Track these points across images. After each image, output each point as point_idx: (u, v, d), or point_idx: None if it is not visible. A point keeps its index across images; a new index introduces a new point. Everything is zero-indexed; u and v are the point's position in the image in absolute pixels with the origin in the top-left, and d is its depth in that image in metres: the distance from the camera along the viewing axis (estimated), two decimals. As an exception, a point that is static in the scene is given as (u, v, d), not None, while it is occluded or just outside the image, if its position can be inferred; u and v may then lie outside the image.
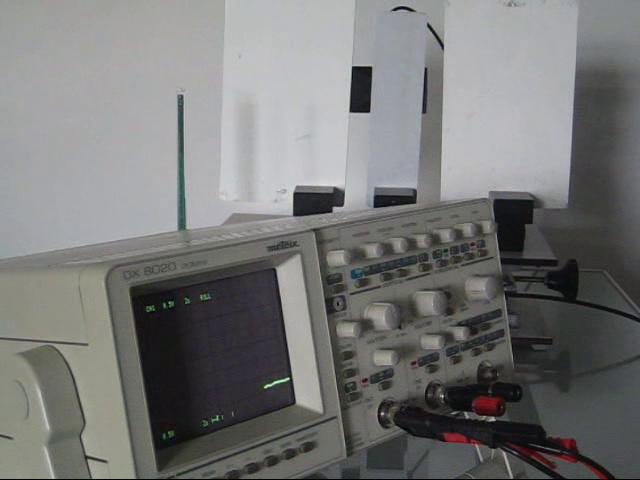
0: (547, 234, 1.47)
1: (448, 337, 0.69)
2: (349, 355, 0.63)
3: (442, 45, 1.44)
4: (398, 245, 0.66)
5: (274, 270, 0.61)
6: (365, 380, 0.64)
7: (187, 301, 0.56)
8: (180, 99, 1.07)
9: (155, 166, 1.91)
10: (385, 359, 0.64)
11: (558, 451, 0.58)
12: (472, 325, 0.72)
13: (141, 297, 0.53)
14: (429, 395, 0.68)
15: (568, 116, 1.39)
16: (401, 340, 0.66)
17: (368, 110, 1.40)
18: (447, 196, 1.39)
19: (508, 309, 0.76)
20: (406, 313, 0.67)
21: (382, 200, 1.35)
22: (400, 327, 0.66)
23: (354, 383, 0.63)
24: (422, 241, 0.68)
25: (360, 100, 1.39)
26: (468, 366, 0.71)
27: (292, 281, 0.61)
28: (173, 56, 1.87)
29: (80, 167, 1.92)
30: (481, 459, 0.73)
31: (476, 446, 0.72)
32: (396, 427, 0.64)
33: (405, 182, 1.40)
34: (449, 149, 1.41)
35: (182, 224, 1.13)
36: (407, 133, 1.40)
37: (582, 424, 0.93)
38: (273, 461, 0.57)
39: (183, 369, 0.55)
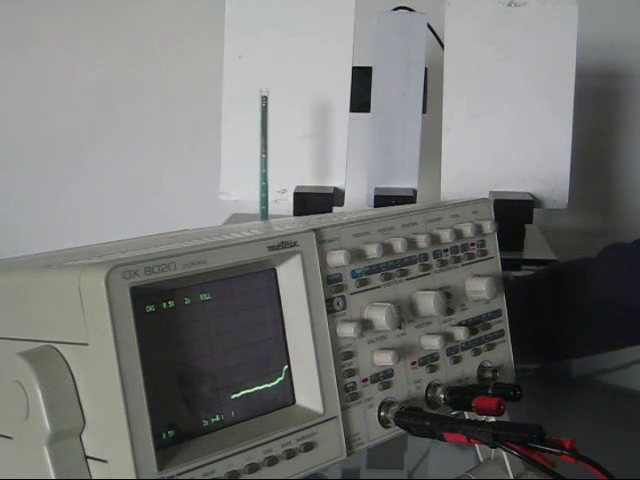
0: (547, 234, 1.47)
1: (448, 337, 0.69)
2: (349, 355, 0.63)
3: (442, 45, 1.44)
4: (398, 245, 0.66)
5: (274, 270, 0.61)
6: (365, 380, 0.64)
7: (187, 301, 0.56)
8: (264, 99, 1.07)
9: (156, 166, 1.91)
10: (385, 359, 0.64)
11: (558, 451, 0.58)
12: (472, 325, 0.72)
13: (141, 297, 0.53)
14: (429, 395, 0.68)
15: (568, 116, 1.39)
16: (401, 340, 0.66)
17: (368, 110, 1.40)
18: (447, 196, 1.39)
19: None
20: (406, 313, 0.67)
21: (382, 200, 1.35)
22: (400, 327, 0.66)
23: (354, 383, 0.63)
24: (422, 241, 0.68)
25: (360, 100, 1.39)
26: (468, 366, 0.71)
27: (292, 281, 0.61)
28: (173, 56, 1.87)
29: (80, 167, 1.92)
30: (481, 459, 0.73)
31: (476, 446, 0.72)
32: (396, 427, 0.64)
33: (405, 182, 1.41)
34: (449, 149, 1.41)
35: (264, 214, 1.15)
36: (407, 133, 1.40)
37: (582, 424, 0.93)
38: (273, 461, 0.57)
39: (183, 369, 0.55)
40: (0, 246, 1.85)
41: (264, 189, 1.14)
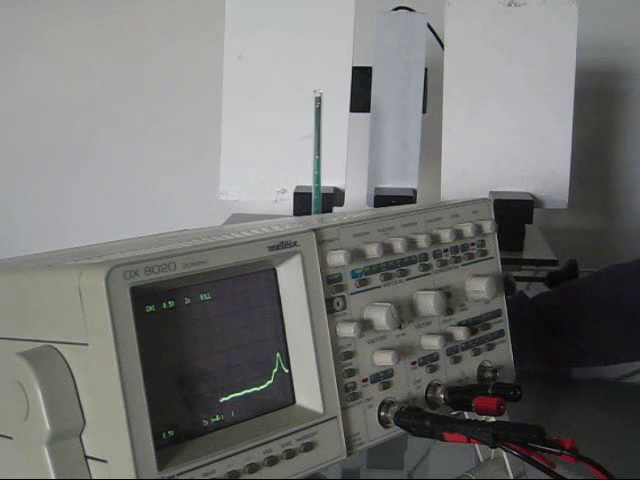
0: (547, 234, 1.47)
1: (448, 337, 0.69)
2: (349, 355, 0.63)
3: (442, 45, 1.44)
4: (398, 245, 0.66)
5: (274, 270, 0.61)
6: (365, 380, 0.64)
7: (187, 301, 0.56)
8: (317, 100, 1.07)
9: (155, 166, 1.91)
10: (385, 359, 0.64)
11: (558, 451, 0.58)
12: (472, 325, 0.72)
13: (141, 297, 0.53)
14: (429, 395, 0.68)
15: (568, 116, 1.39)
16: (401, 340, 0.66)
17: (368, 110, 1.40)
18: (447, 196, 1.39)
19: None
20: (406, 313, 0.67)
21: (382, 200, 1.35)
22: (400, 327, 0.66)
23: (354, 383, 0.63)
24: (422, 241, 0.68)
25: (360, 100, 1.39)
26: (468, 366, 0.71)
27: (292, 281, 0.61)
28: (173, 56, 1.87)
29: (80, 167, 1.92)
30: (481, 459, 0.73)
31: (476, 446, 0.72)
32: (396, 427, 0.64)
33: (405, 182, 1.41)
34: (449, 149, 1.41)
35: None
36: (407, 133, 1.40)
37: (582, 424, 0.93)
38: (273, 461, 0.57)
39: (183, 369, 0.55)
40: (0, 246, 1.86)
41: (317, 191, 1.13)
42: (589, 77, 1.66)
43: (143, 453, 0.51)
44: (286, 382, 0.61)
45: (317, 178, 1.13)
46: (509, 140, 1.41)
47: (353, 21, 1.37)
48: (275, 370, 0.60)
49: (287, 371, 0.61)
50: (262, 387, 0.59)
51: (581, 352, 1.00)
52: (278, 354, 0.60)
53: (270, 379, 0.60)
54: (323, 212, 1.19)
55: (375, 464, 0.84)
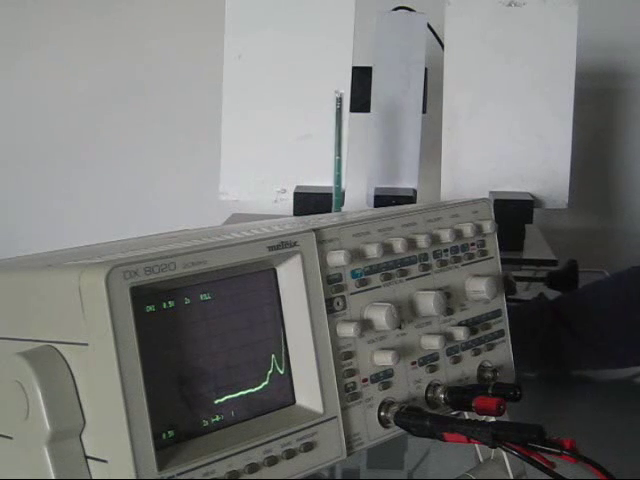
0: (547, 234, 1.47)
1: (448, 337, 0.69)
2: (349, 355, 0.63)
3: (442, 45, 1.44)
4: (398, 245, 0.66)
5: (274, 270, 0.61)
6: (365, 380, 0.64)
7: (187, 301, 0.56)
8: (338, 100, 1.07)
9: (155, 166, 1.91)
10: (385, 359, 0.64)
11: (558, 451, 0.58)
12: (472, 325, 0.72)
13: (141, 297, 0.53)
14: (429, 395, 0.68)
15: (568, 116, 1.39)
16: (401, 340, 0.66)
17: (368, 110, 1.40)
18: (447, 196, 1.39)
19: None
20: (406, 313, 0.67)
21: (382, 200, 1.35)
22: (400, 327, 0.66)
23: (354, 383, 0.63)
24: (422, 241, 0.68)
25: (360, 100, 1.39)
26: (468, 366, 0.71)
27: (292, 281, 0.61)
28: (173, 56, 1.87)
29: (80, 167, 1.92)
30: (481, 459, 0.73)
31: (476, 446, 0.72)
32: (396, 427, 0.64)
33: (405, 182, 1.41)
34: (449, 149, 1.41)
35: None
36: (407, 133, 1.40)
37: (582, 424, 0.93)
38: (273, 461, 0.57)
39: (183, 369, 0.55)
40: (0, 246, 1.86)
41: (337, 191, 1.13)
42: (589, 77, 1.66)
43: (143, 453, 0.51)
44: (282, 383, 0.60)
45: (338, 179, 1.13)
46: (509, 140, 1.41)
47: (353, 21, 1.37)
48: (270, 372, 0.60)
49: (282, 372, 0.61)
50: (258, 388, 0.59)
51: (600, 354, 1.00)
52: (273, 355, 0.60)
53: (265, 380, 0.60)
54: (323, 212, 1.19)
55: (375, 464, 0.84)
